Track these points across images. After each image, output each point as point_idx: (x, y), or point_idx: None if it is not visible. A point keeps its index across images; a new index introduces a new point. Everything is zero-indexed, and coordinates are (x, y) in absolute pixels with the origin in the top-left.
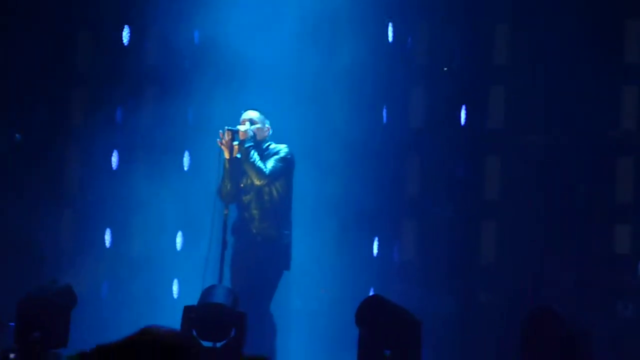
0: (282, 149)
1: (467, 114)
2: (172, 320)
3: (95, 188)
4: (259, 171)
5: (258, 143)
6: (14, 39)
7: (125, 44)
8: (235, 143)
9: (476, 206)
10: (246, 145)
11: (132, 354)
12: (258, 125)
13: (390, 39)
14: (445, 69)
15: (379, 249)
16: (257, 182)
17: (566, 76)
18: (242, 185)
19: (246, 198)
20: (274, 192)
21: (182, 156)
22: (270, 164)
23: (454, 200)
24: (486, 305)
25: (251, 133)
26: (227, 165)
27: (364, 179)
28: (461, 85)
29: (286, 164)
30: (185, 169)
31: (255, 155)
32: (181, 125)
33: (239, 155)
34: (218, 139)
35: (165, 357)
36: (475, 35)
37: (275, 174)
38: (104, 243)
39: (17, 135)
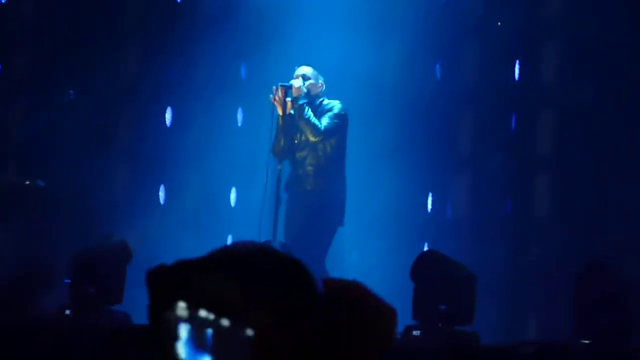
0: (336, 105)
1: (520, 69)
2: None
3: (150, 144)
4: (314, 127)
5: (312, 99)
6: None
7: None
8: (289, 99)
9: (529, 161)
10: (300, 102)
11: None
12: (311, 81)
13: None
14: (499, 23)
15: (432, 204)
16: (312, 139)
17: (620, 31)
18: (295, 141)
19: (300, 154)
20: (328, 148)
21: (236, 112)
22: (324, 120)
23: (506, 155)
24: (539, 259)
25: (305, 89)
26: (280, 121)
27: (417, 134)
28: (515, 39)
29: (340, 120)
30: (239, 125)
31: (309, 112)
32: (234, 80)
33: (292, 112)
34: (271, 95)
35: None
36: None
37: (329, 130)
38: (159, 199)
39: (70, 92)
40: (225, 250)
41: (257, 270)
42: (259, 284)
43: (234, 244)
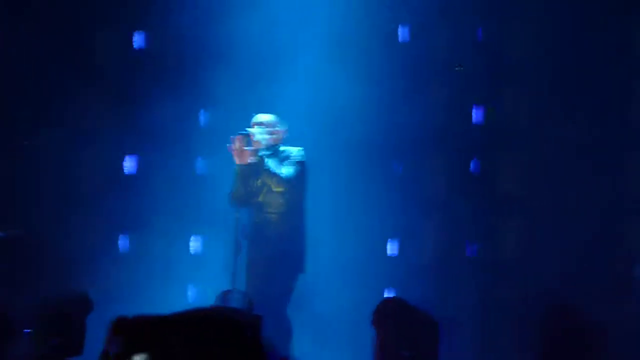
0: (296, 152)
1: (480, 112)
2: None
3: (111, 192)
4: (278, 178)
5: (272, 147)
6: (26, 39)
7: (137, 48)
8: (247, 149)
9: (495, 203)
10: (260, 153)
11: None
12: (271, 129)
13: (400, 39)
14: (457, 67)
15: (396, 249)
16: (275, 189)
17: (577, 73)
18: (254, 189)
19: (258, 201)
20: (289, 196)
21: (195, 161)
22: (286, 169)
23: (471, 197)
24: (506, 302)
25: (264, 140)
26: (239, 170)
27: (380, 177)
28: (473, 83)
29: (300, 167)
30: (198, 173)
31: (270, 163)
32: (194, 128)
33: (251, 161)
34: (229, 145)
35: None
36: (486, 34)
37: (291, 179)
38: (118, 248)
39: (25, 142)
40: (184, 313)
41: (208, 337)
42: (206, 350)
43: (195, 308)
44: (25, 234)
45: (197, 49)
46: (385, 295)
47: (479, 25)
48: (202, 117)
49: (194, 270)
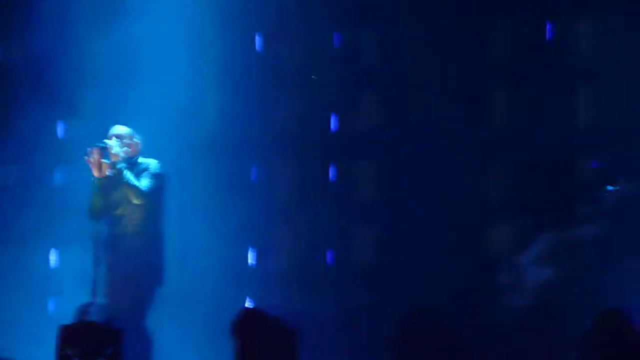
0: (153, 164)
1: (336, 120)
2: (48, 339)
3: None
4: (136, 190)
5: (129, 160)
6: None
7: None
8: (104, 161)
9: (348, 210)
10: (118, 165)
11: None
12: (127, 141)
13: (257, 48)
14: (314, 77)
15: (254, 258)
16: (135, 201)
17: (437, 79)
18: (112, 201)
19: (117, 213)
20: (146, 208)
21: (53, 172)
22: (144, 181)
23: (328, 204)
24: (363, 309)
25: (122, 153)
26: (97, 183)
27: (237, 187)
28: (330, 90)
29: (158, 179)
30: (56, 183)
31: (129, 175)
32: (52, 137)
33: (109, 173)
34: (85, 157)
35: None
36: (342, 41)
37: (150, 191)
38: None
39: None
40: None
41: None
42: None
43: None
44: None
45: (55, 59)
46: (246, 305)
47: (335, 32)
48: (60, 128)
49: (54, 284)
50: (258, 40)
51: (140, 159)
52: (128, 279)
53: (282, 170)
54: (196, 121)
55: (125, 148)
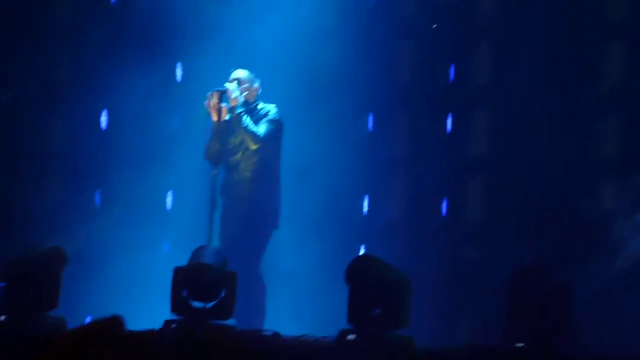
0: (272, 109)
1: (454, 71)
2: (163, 280)
3: (85, 147)
4: (254, 136)
5: (248, 104)
6: None
7: (112, 2)
8: (224, 105)
9: (464, 162)
10: (237, 110)
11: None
12: (247, 85)
13: None
14: (434, 26)
15: (368, 207)
16: (252, 146)
17: (552, 33)
18: (230, 146)
19: (234, 159)
20: (264, 153)
21: (172, 116)
22: (262, 127)
23: (440, 156)
24: (474, 262)
25: (241, 98)
26: (215, 127)
27: (353, 136)
28: (449, 42)
29: (276, 125)
30: (175, 128)
31: (247, 120)
32: (170, 81)
33: (227, 118)
34: (205, 101)
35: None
36: None
37: (268, 137)
38: (94, 203)
39: (5, 96)
40: None
41: None
42: None
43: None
44: None
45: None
46: (360, 253)
47: None
48: (179, 72)
49: (169, 226)
50: None
51: (261, 105)
52: (243, 224)
53: (397, 122)
54: (315, 71)
55: (245, 92)
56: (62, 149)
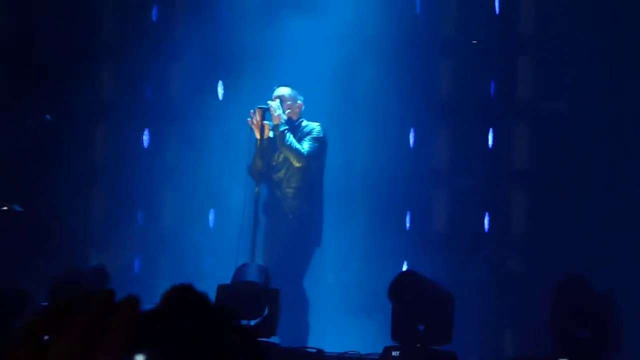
0: (316, 127)
1: (495, 85)
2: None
3: (127, 165)
4: (298, 154)
5: (291, 122)
6: (38, 19)
7: (154, 20)
8: (266, 122)
9: (505, 176)
10: (281, 129)
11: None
12: (289, 103)
13: (418, 10)
14: (475, 42)
15: (410, 221)
16: (296, 164)
17: (591, 45)
18: (274, 163)
19: (277, 176)
20: (308, 172)
21: (213, 133)
22: (306, 144)
23: (483, 170)
24: (517, 275)
25: (284, 117)
26: (258, 144)
27: (394, 151)
28: (489, 57)
29: (320, 143)
30: (216, 145)
31: (291, 138)
32: (212, 100)
33: (271, 135)
34: (249, 119)
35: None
36: (501, 6)
37: (312, 154)
38: (136, 220)
39: (46, 116)
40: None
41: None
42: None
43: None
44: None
45: (210, 23)
46: (403, 268)
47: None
48: (220, 90)
49: (212, 243)
50: (418, 3)
51: (304, 122)
52: (286, 241)
53: (440, 136)
54: (354, 86)
55: (288, 110)
56: (105, 166)
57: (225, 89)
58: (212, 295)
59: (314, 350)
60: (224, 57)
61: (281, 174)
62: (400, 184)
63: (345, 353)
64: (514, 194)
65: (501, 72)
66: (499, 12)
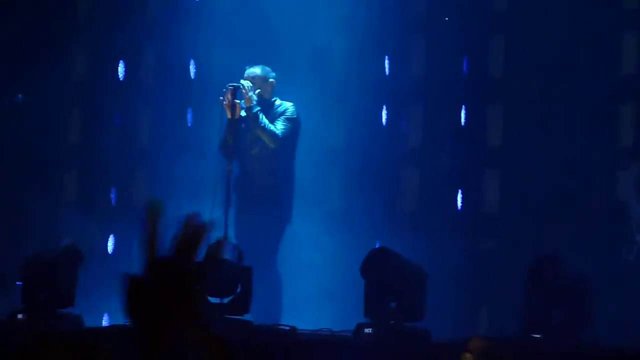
0: (289, 108)
1: (468, 63)
2: None
3: (99, 146)
4: (271, 135)
5: (264, 101)
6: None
7: None
8: (238, 101)
9: (479, 154)
10: (254, 110)
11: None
12: (259, 88)
13: None
14: (447, 18)
15: (384, 200)
16: (271, 145)
17: (566, 24)
18: (246, 142)
19: (249, 154)
20: (280, 152)
21: (186, 112)
22: (279, 125)
23: (456, 148)
24: (490, 254)
25: (255, 98)
26: (230, 123)
27: (366, 129)
28: (462, 34)
29: (294, 124)
30: (189, 124)
31: (264, 120)
32: (184, 80)
33: (242, 114)
34: (220, 97)
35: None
36: None
37: (286, 135)
38: (110, 200)
39: (18, 95)
40: None
41: None
42: None
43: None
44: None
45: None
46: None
47: None
48: (192, 69)
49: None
50: None
51: (278, 101)
52: (257, 219)
53: (413, 114)
54: (328, 65)
55: (258, 90)
56: (77, 146)
57: (197, 67)
58: None
59: (287, 328)
60: (196, 35)
61: (253, 152)
62: (374, 162)
63: (318, 330)
64: (487, 172)
65: (474, 49)
66: None
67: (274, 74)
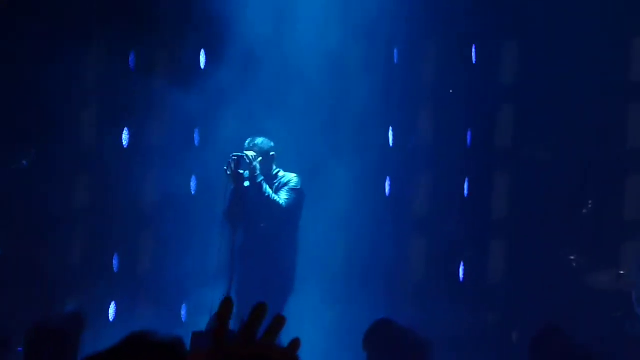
0: (293, 179)
1: (473, 135)
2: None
3: (103, 210)
4: (276, 205)
5: (266, 172)
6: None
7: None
8: (242, 172)
9: (484, 225)
10: (258, 180)
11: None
12: (260, 157)
13: (395, 60)
14: (452, 91)
15: (383, 268)
16: (275, 214)
17: (573, 93)
18: (250, 212)
19: (255, 225)
20: (285, 222)
21: (189, 179)
22: (283, 195)
23: (462, 219)
24: (494, 325)
25: (259, 167)
26: (234, 192)
27: (372, 200)
28: (467, 106)
29: (298, 194)
30: (193, 192)
31: (268, 190)
32: (188, 147)
33: (247, 184)
34: (224, 167)
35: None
36: (480, 55)
37: (290, 205)
38: (113, 267)
39: (23, 162)
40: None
41: None
42: None
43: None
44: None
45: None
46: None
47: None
48: (196, 136)
49: (188, 290)
50: (396, 53)
51: (281, 172)
52: (260, 288)
53: (415, 183)
54: (332, 132)
55: (260, 158)
56: (82, 213)
57: (201, 134)
58: (187, 342)
59: None
60: (200, 103)
61: (257, 221)
62: (377, 232)
63: None
64: (490, 244)
65: (479, 121)
66: (476, 61)
67: (273, 144)
